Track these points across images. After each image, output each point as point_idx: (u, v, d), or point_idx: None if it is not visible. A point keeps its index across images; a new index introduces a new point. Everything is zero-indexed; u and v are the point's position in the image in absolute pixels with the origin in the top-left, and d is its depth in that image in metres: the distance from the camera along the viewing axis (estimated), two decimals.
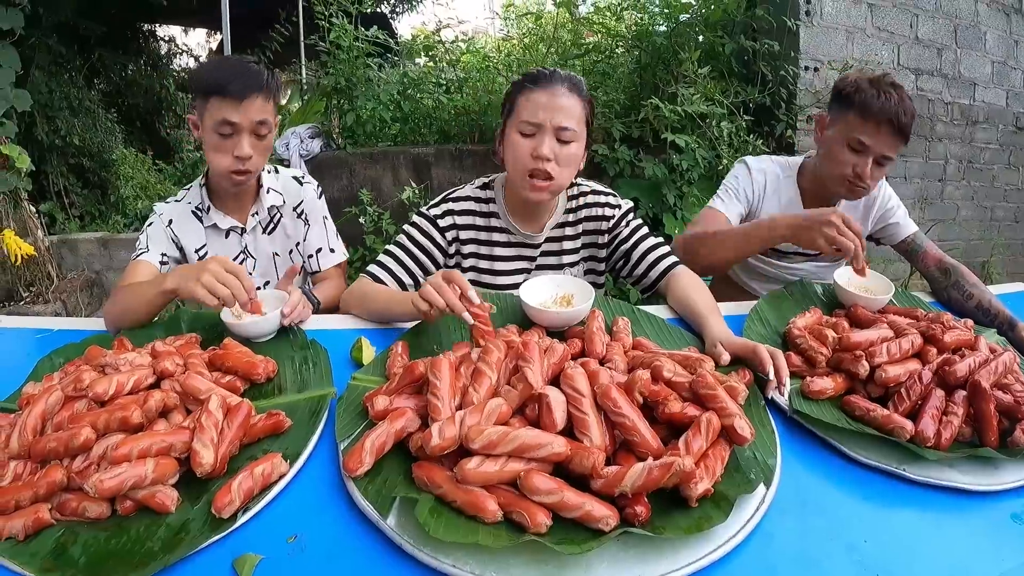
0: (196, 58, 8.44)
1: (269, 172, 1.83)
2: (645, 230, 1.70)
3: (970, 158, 5.02)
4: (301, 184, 1.87)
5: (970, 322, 1.40)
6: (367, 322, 1.51)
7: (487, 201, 1.67)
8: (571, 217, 1.70)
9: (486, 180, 1.70)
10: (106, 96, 6.64)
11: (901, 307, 1.51)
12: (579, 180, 1.71)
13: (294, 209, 1.85)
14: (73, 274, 4.50)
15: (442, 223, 1.64)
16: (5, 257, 3.82)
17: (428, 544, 0.80)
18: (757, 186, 1.91)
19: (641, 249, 1.65)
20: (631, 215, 1.71)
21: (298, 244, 1.88)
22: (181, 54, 8.28)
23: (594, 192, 1.70)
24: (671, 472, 0.80)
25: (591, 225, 1.71)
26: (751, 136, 3.85)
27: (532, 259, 1.71)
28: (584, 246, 1.73)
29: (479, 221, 1.67)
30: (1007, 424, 1.06)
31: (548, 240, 1.70)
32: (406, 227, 1.68)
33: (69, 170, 5.71)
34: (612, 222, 1.69)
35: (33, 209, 4.23)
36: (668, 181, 3.79)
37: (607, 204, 1.70)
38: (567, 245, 1.71)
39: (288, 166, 3.42)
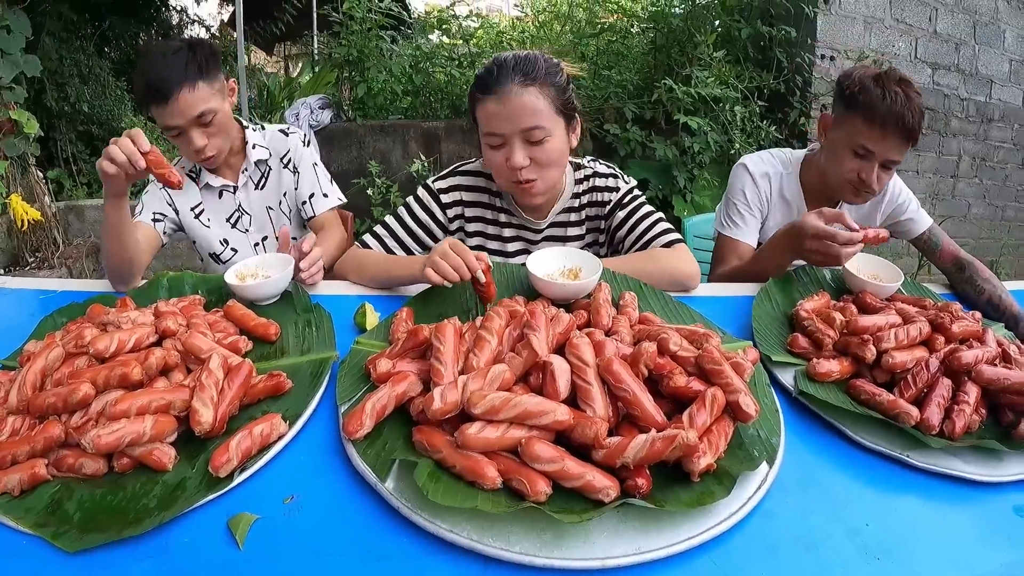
0: (208, 28, 8.36)
1: (255, 130, 1.88)
2: (645, 209, 1.63)
3: (983, 156, 4.97)
4: (287, 135, 1.92)
5: (978, 314, 1.38)
6: (372, 288, 1.50)
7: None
8: (577, 203, 1.66)
9: None
10: (116, 64, 6.59)
11: (909, 295, 1.49)
12: (588, 161, 1.67)
13: (281, 159, 1.90)
14: (79, 240, 4.51)
15: (445, 199, 1.62)
16: (12, 222, 3.82)
17: (426, 508, 0.79)
18: (764, 194, 1.86)
19: (639, 230, 1.60)
20: (629, 196, 1.65)
21: (286, 193, 1.92)
22: (192, 24, 8.21)
23: (598, 175, 1.66)
24: (674, 445, 0.79)
25: (594, 211, 1.67)
26: (764, 122, 3.81)
27: (534, 243, 1.68)
28: (589, 231, 1.70)
29: (484, 198, 1.65)
30: (1012, 417, 1.05)
31: (552, 225, 1.67)
32: (409, 199, 1.66)
33: (78, 137, 5.68)
34: (609, 207, 1.64)
35: (41, 175, 4.24)
36: (679, 163, 3.77)
37: (606, 188, 1.65)
38: (572, 232, 1.68)
39: None
